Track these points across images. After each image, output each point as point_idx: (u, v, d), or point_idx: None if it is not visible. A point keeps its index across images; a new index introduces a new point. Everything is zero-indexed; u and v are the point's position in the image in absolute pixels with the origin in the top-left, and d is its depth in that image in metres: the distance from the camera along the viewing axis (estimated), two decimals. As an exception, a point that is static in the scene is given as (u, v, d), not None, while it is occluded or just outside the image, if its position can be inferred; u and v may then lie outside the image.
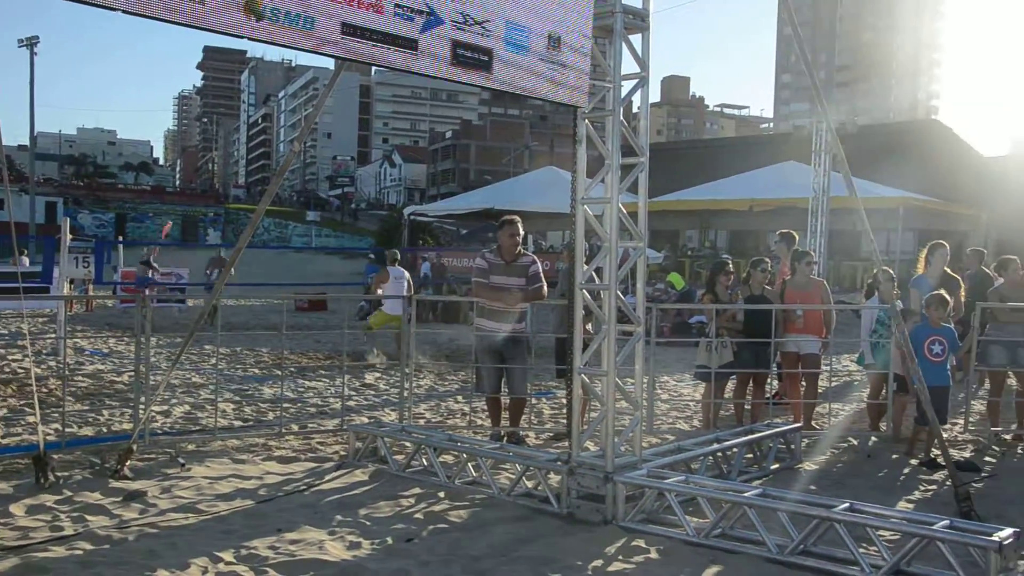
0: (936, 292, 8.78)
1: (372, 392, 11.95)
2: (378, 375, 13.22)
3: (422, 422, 9.77)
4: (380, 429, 8.06)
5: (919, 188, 29.99)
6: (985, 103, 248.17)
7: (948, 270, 9.92)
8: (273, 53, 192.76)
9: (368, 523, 6.13)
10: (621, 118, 6.23)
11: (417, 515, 6.38)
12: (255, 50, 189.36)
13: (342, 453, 8.13)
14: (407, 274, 16.00)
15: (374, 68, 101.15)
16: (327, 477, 7.37)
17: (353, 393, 11.57)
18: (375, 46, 4.84)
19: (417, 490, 6.99)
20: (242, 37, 4.35)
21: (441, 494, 6.88)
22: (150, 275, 23.14)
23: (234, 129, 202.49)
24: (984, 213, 30.84)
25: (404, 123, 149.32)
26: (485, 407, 9.38)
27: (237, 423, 9.58)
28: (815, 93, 8.33)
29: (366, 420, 9.55)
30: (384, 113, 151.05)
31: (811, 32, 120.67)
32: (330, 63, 7.09)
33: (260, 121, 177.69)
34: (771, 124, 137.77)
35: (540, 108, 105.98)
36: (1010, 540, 4.96)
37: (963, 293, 9.85)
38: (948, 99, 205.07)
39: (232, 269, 8.06)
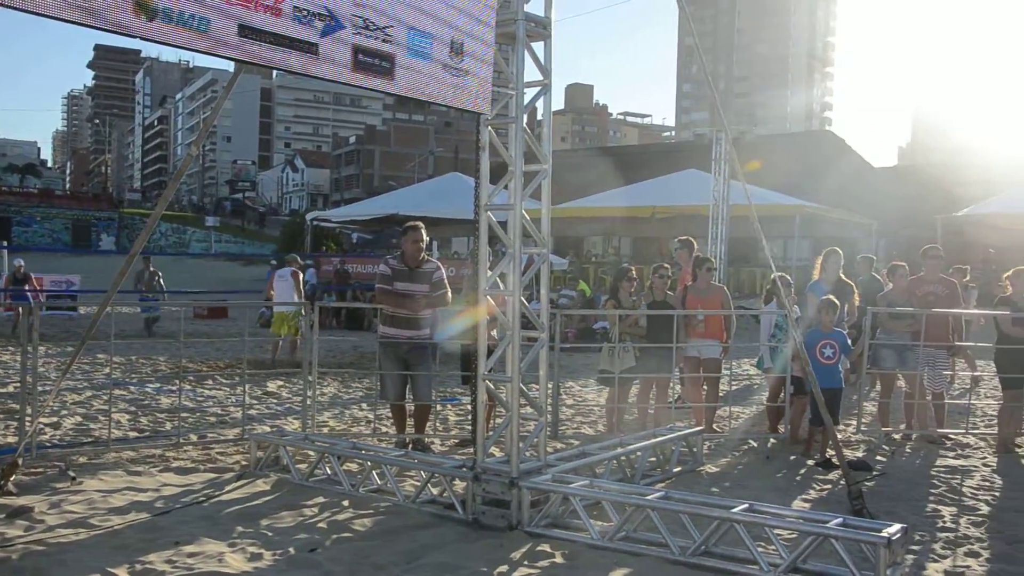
0: (826, 297, 9.05)
1: (274, 400, 11.73)
2: (280, 383, 12.98)
3: (326, 430, 9.63)
4: (282, 438, 7.91)
5: (814, 196, 30.91)
6: (875, 115, 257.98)
7: (843, 276, 10.24)
8: (169, 53, 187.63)
9: (270, 534, 6.01)
10: (524, 125, 6.25)
11: (320, 524, 6.28)
12: (150, 50, 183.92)
13: (243, 463, 7.95)
14: (291, 272, 15.60)
15: (275, 71, 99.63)
16: (227, 488, 7.19)
17: (255, 402, 11.34)
18: (274, 49, 4.75)
19: (320, 499, 6.88)
20: (133, 36, 4.20)
21: (345, 503, 6.79)
22: (26, 290, 20.92)
23: (128, 131, 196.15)
24: (874, 221, 31.96)
25: (307, 127, 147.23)
26: (390, 414, 9.30)
27: (132, 434, 9.28)
28: (714, 103, 8.51)
29: (268, 429, 9.37)
30: (286, 117, 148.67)
31: (711, 43, 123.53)
32: (229, 65, 6.96)
33: (156, 123, 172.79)
34: (673, 132, 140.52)
35: (445, 114, 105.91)
36: (898, 536, 5.13)
37: (857, 298, 10.18)
38: (840, 111, 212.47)
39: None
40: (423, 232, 8.66)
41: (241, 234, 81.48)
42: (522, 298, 6.34)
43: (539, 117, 6.70)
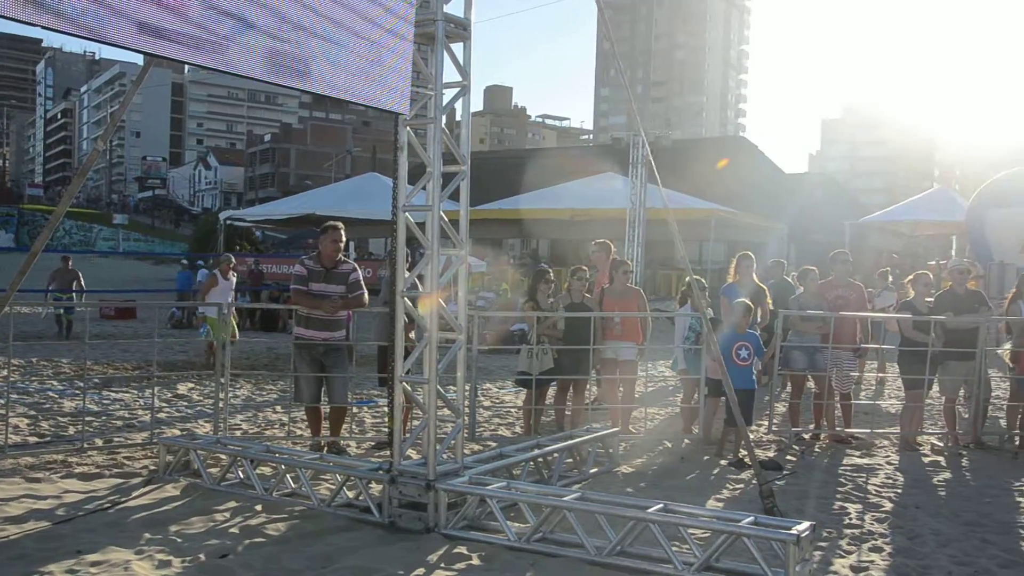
0: (740, 300, 9.22)
1: (185, 403, 11.45)
2: (191, 386, 12.69)
3: (238, 434, 9.44)
4: (193, 442, 7.73)
5: (728, 201, 31.56)
6: (786, 122, 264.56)
7: (756, 279, 10.44)
8: (74, 44, 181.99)
9: (179, 540, 5.85)
10: (443, 126, 6.23)
11: (232, 530, 6.15)
12: (52, 40, 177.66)
13: (151, 468, 7.73)
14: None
15: (187, 66, 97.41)
16: (134, 493, 6.98)
17: (164, 405, 11.06)
18: (185, 43, 4.61)
19: (233, 504, 6.74)
20: (32, 24, 3.97)
21: (258, 507, 6.66)
22: None
23: (29, 124, 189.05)
24: (785, 226, 32.75)
25: (220, 124, 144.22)
26: (305, 417, 9.16)
27: (32, 439, 8.95)
28: (631, 108, 8.60)
29: (178, 433, 9.13)
30: (198, 113, 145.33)
31: (629, 48, 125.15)
32: (138, 58, 6.75)
33: (60, 116, 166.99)
34: (591, 136, 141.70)
35: (363, 113, 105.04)
36: (806, 533, 5.26)
37: (769, 301, 10.39)
38: (753, 118, 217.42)
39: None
40: (342, 233, 8.55)
41: (151, 232, 79.46)
42: (440, 300, 6.31)
43: (458, 118, 6.67)
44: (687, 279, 8.65)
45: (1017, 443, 9.56)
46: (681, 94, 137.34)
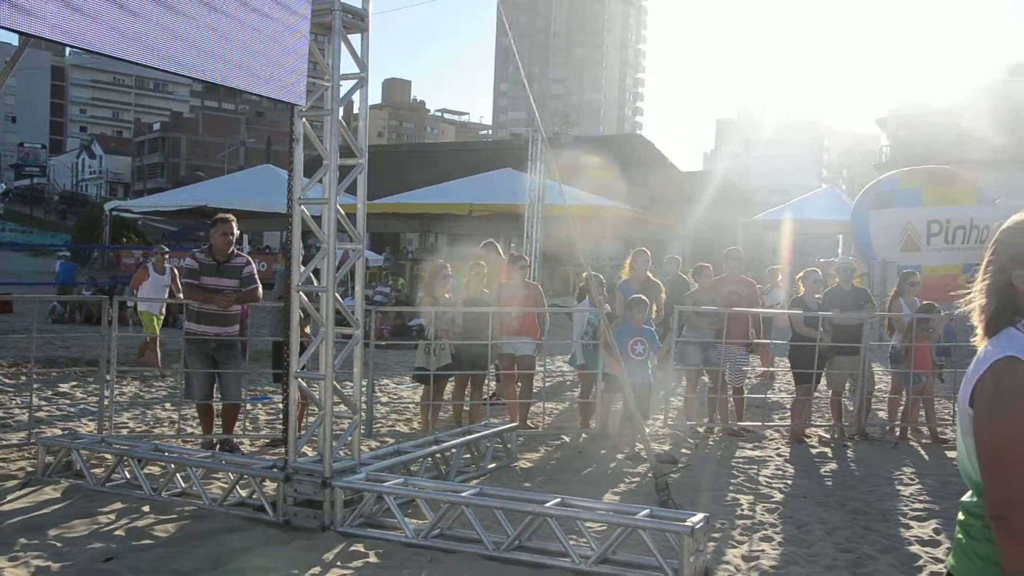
0: (637, 296, 9.35)
1: (67, 402, 10.98)
2: (74, 383, 12.19)
3: (125, 432, 9.12)
4: (75, 441, 7.42)
5: (625, 198, 31.96)
6: (682, 121, 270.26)
7: (651, 275, 10.59)
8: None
9: (59, 544, 5.61)
10: (340, 118, 6.12)
11: (118, 532, 5.93)
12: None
13: (29, 469, 7.39)
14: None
15: (68, 49, 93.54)
16: (9, 497, 6.66)
17: (44, 403, 10.59)
18: (64, 27, 4.39)
19: (118, 505, 6.50)
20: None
21: (146, 508, 6.44)
22: None
23: None
24: (681, 223, 33.36)
25: (105, 111, 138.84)
26: (196, 414, 8.91)
27: (-100, 440, 8.46)
28: (529, 104, 8.61)
29: (59, 432, 8.76)
30: (82, 99, 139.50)
31: (527, 44, 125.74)
32: (12, 38, 6.42)
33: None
34: (490, 131, 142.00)
35: (257, 104, 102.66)
36: (700, 525, 5.36)
37: (664, 297, 10.56)
38: (650, 116, 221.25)
39: None
40: (234, 225, 8.33)
41: (29, 223, 76.12)
42: (336, 294, 6.20)
43: (356, 110, 6.56)
44: (584, 275, 8.71)
45: (898, 434, 9.94)
46: (580, 91, 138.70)
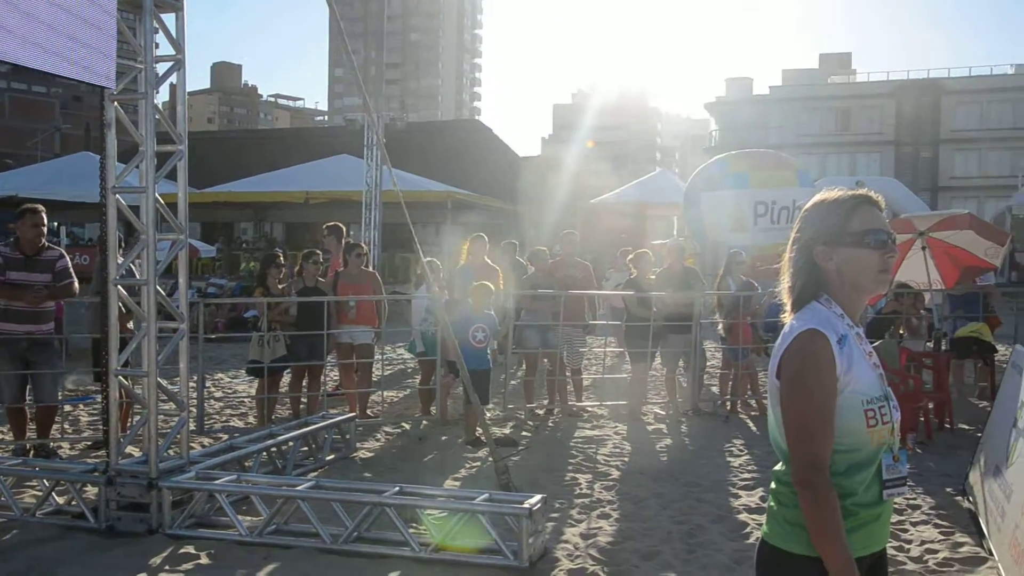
0: (480, 283, 9.35)
1: None
2: None
3: (-71, 442, 8.46)
4: None
5: (464, 183, 32.01)
6: (519, 107, 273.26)
7: (489, 260, 10.61)
8: None
9: None
10: (156, 102, 5.81)
11: (-86, 552, 5.47)
12: None
13: None
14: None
15: None
16: None
17: None
18: None
19: (-85, 523, 6.00)
20: None
21: (-53, 524, 5.98)
22: None
23: None
24: (518, 208, 33.66)
25: None
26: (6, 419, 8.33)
27: None
28: (363, 90, 8.45)
29: None
30: None
31: (362, 28, 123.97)
32: None
33: None
34: (326, 117, 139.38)
35: (74, 87, 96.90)
36: (539, 506, 5.41)
37: (502, 283, 10.59)
38: (488, 101, 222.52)
39: None
40: (43, 216, 7.80)
41: None
42: (158, 287, 5.90)
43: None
44: (422, 262, 8.63)
45: (728, 408, 10.34)
46: (416, 77, 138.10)
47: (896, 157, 55.69)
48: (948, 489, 6.94)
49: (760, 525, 6.03)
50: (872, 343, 2.63)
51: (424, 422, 9.55)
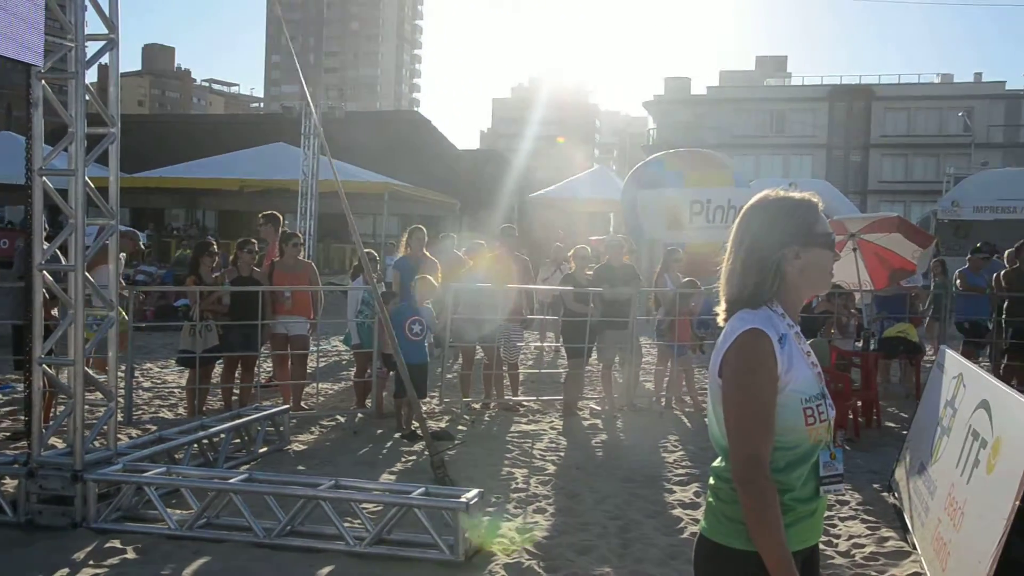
0: (421, 276, 9.29)
1: None
2: None
3: None
4: None
5: (402, 175, 31.77)
6: (459, 99, 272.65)
7: (427, 252, 10.55)
8: None
9: None
10: (87, 83, 5.63)
11: None
12: None
13: None
14: None
15: None
16: None
17: None
18: None
19: None
20: None
21: None
22: None
23: None
24: (458, 201, 33.55)
25: None
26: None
27: None
28: (300, 77, 8.34)
29: None
30: None
31: (300, 15, 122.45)
32: None
33: None
34: (262, 103, 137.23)
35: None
36: (475, 500, 5.39)
37: (440, 276, 10.54)
38: (427, 93, 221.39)
39: None
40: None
41: None
42: (86, 273, 5.74)
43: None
44: (359, 253, 8.54)
45: (663, 403, 10.43)
46: (355, 66, 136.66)
47: (828, 160, 56.82)
48: (875, 485, 7.10)
49: (694, 520, 6.12)
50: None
51: (359, 415, 9.46)
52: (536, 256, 17.65)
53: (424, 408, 8.77)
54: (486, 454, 8.02)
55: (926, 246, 11.21)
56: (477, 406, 10.06)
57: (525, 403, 10.27)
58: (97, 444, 6.19)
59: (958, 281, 12.61)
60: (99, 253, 6.31)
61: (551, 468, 7.60)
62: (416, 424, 8.17)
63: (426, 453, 7.21)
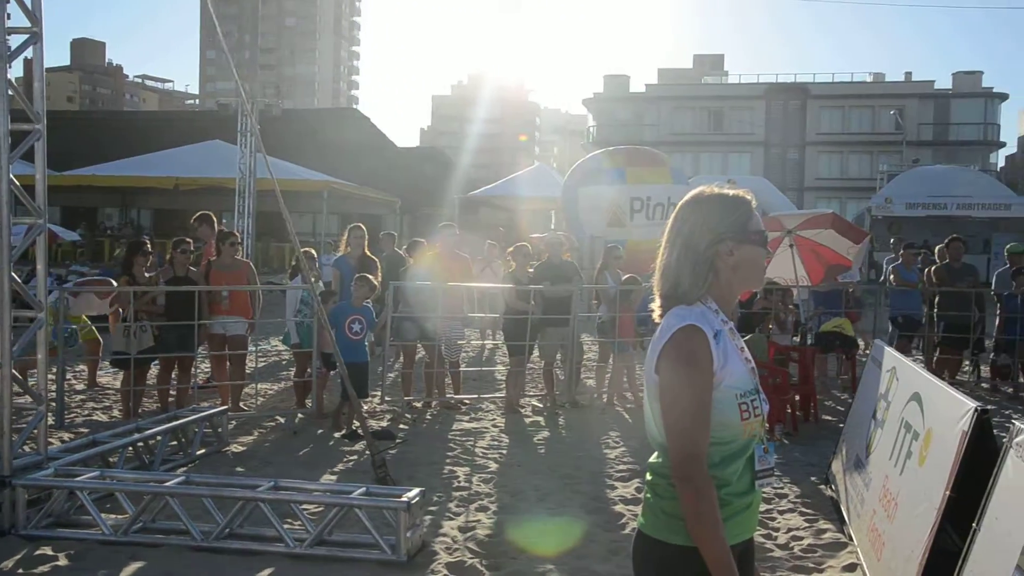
0: (361, 274, 9.21)
1: None
2: None
3: None
4: None
5: (341, 173, 31.54)
6: (398, 97, 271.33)
7: (368, 251, 10.47)
8: None
9: None
10: (11, 77, 5.47)
11: None
12: None
13: None
14: None
15: None
16: None
17: None
18: None
19: None
20: None
21: None
22: None
23: None
24: (398, 199, 33.41)
25: None
26: None
27: None
28: (235, 74, 8.23)
29: None
30: None
31: (236, 10, 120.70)
32: None
33: None
34: (197, 100, 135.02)
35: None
36: (416, 499, 5.37)
37: (379, 274, 10.47)
38: (366, 91, 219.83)
39: None
40: None
41: None
42: (13, 274, 5.58)
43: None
44: (297, 252, 8.45)
45: (605, 400, 10.48)
46: (292, 63, 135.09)
47: (765, 157, 57.70)
48: (812, 478, 7.21)
49: (636, 516, 6.15)
50: (743, 337, 2.68)
51: (299, 415, 9.35)
52: (476, 254, 17.64)
53: (366, 407, 8.70)
54: (428, 453, 7.99)
55: (860, 242, 11.44)
56: (418, 405, 10.01)
57: (467, 401, 10.25)
58: (26, 449, 6.03)
59: (892, 276, 12.89)
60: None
61: (493, 466, 7.60)
62: (357, 423, 8.11)
63: (367, 453, 7.16)
